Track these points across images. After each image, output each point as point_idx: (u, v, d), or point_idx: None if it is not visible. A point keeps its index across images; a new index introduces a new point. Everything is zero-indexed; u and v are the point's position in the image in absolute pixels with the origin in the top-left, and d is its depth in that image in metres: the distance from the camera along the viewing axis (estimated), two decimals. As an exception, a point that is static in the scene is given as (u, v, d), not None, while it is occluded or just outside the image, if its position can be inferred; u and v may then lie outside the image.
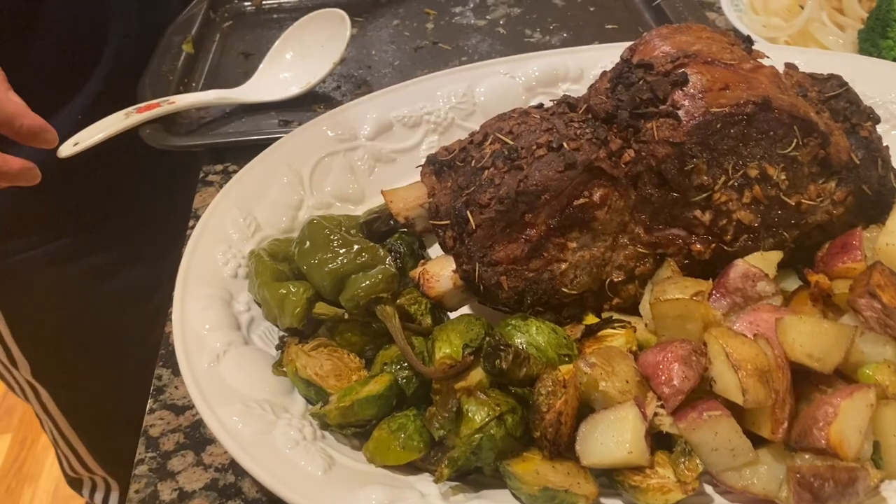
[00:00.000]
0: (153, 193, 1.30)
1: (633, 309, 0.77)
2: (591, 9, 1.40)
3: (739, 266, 0.73)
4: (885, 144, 0.77)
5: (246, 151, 1.06)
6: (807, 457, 0.60)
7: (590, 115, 0.76)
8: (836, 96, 0.76)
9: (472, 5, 1.45)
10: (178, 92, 1.23)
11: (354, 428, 0.67)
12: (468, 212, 0.72)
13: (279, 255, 0.80)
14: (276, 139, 0.98)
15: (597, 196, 0.71)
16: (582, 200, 0.71)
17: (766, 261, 0.74)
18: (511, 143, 0.73)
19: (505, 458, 0.63)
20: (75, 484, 1.48)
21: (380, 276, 0.71)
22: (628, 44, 1.23)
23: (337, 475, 0.63)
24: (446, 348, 0.68)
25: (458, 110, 1.08)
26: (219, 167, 1.13)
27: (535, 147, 0.71)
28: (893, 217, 0.73)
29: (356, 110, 1.04)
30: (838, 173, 0.74)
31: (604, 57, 1.13)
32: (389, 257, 0.72)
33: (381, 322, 0.72)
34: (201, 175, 1.12)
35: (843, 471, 0.57)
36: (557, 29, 1.34)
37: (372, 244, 0.74)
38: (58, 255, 1.20)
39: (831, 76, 0.79)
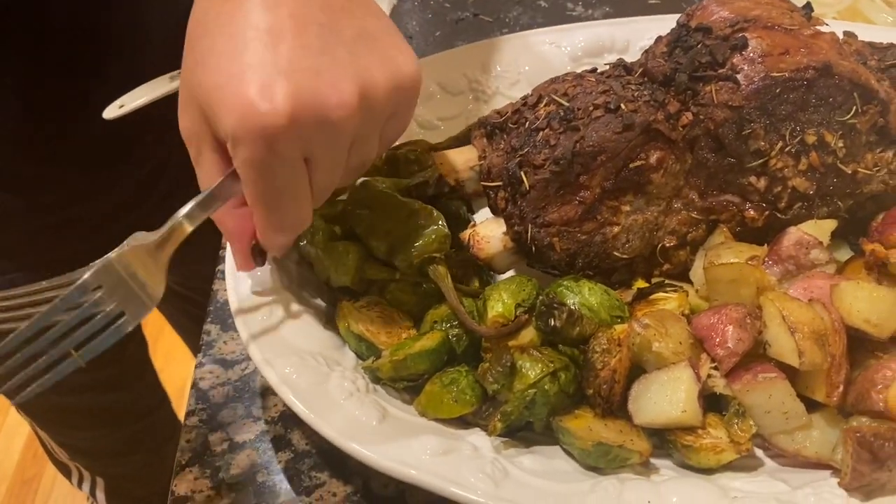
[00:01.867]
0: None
1: (682, 276, 0.77)
2: (632, -17, 1.39)
3: (793, 233, 0.72)
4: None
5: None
6: (863, 420, 0.59)
7: (646, 79, 0.75)
8: (897, 64, 0.75)
9: (515, -24, 1.45)
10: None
11: (406, 382, 0.68)
12: (522, 172, 0.72)
13: (330, 216, 0.80)
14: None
15: (653, 159, 0.71)
16: (638, 163, 0.70)
17: (819, 229, 0.73)
18: (567, 104, 0.73)
19: (557, 415, 0.64)
20: (63, 469, 1.44)
21: (433, 237, 0.71)
22: (675, 16, 1.23)
23: (391, 425, 0.64)
24: (499, 307, 0.69)
25: (503, 79, 1.07)
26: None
27: (591, 108, 0.71)
28: (952, 187, 0.72)
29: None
30: (895, 142, 0.74)
31: (651, 29, 1.11)
32: (442, 218, 0.73)
33: (433, 282, 0.73)
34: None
35: (903, 432, 0.56)
36: (599, 3, 1.33)
37: (424, 205, 0.74)
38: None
39: (891, 45, 0.78)
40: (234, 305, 0.72)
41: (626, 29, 1.11)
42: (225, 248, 0.80)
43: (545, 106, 0.75)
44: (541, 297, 0.67)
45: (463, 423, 0.67)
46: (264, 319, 0.72)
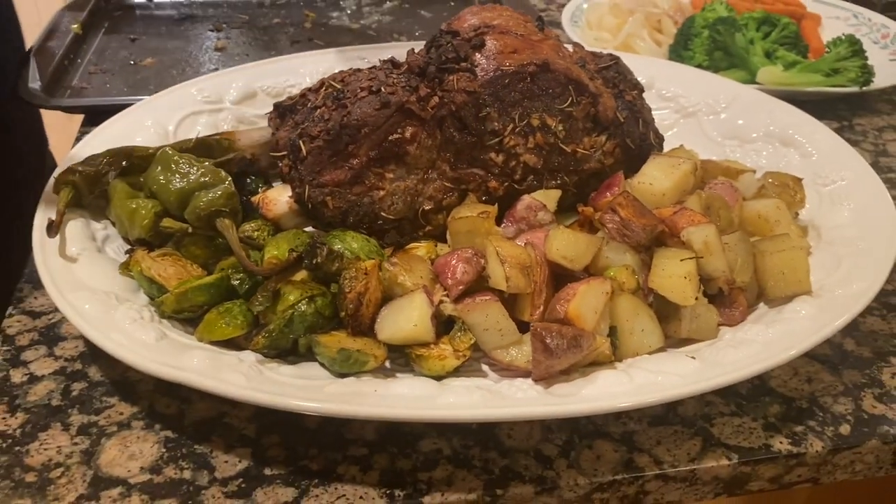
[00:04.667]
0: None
1: (442, 237, 0.92)
2: (453, 19, 1.58)
3: (525, 199, 0.88)
4: (647, 106, 0.96)
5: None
6: (542, 323, 0.75)
7: (407, 72, 0.91)
8: (608, 67, 0.94)
9: (348, 11, 1.61)
10: (60, 68, 1.32)
11: (188, 313, 0.79)
12: (301, 142, 0.85)
13: (133, 183, 0.91)
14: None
15: (408, 133, 0.86)
16: (396, 136, 0.85)
17: (546, 196, 0.90)
18: (339, 87, 0.87)
19: (314, 333, 0.76)
20: None
21: (220, 192, 0.83)
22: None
23: (168, 344, 0.74)
24: (274, 251, 0.81)
25: (318, 85, 1.22)
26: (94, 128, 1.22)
27: (358, 90, 0.86)
28: (647, 164, 0.90)
29: (224, 78, 1.17)
30: (607, 129, 0.92)
31: (451, 51, 1.30)
32: (230, 179, 0.85)
33: (221, 235, 0.84)
34: (77, 136, 1.21)
35: (569, 329, 0.72)
36: (422, 36, 1.52)
37: (213, 167, 0.86)
38: None
39: (609, 54, 0.97)
40: (38, 257, 0.81)
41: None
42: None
43: (325, 90, 0.89)
44: (310, 241, 0.80)
45: (236, 347, 0.78)
46: (65, 268, 0.81)
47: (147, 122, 1.06)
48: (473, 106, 0.87)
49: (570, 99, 0.89)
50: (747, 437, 0.77)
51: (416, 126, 0.86)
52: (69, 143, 1.21)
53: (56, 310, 0.88)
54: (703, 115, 1.18)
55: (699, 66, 1.35)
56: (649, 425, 0.77)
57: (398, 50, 1.28)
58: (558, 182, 0.92)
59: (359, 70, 0.93)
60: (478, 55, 0.88)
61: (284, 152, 0.88)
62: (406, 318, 0.76)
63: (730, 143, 1.14)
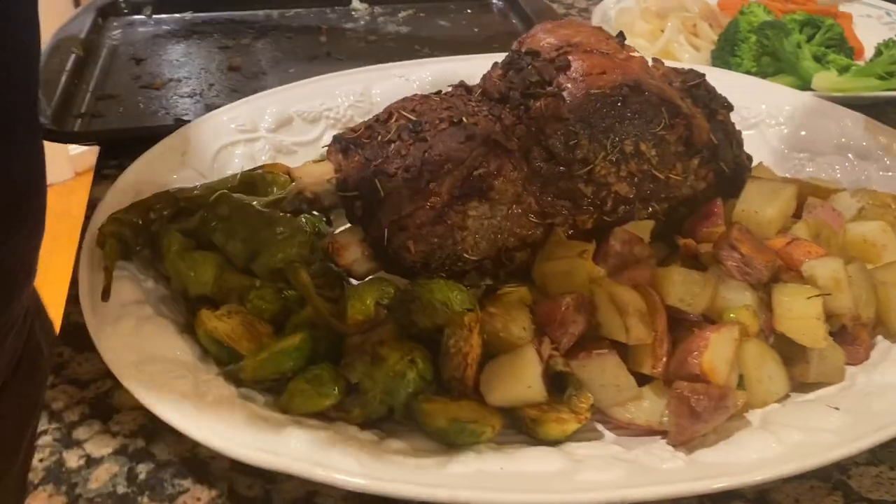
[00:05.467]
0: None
1: (525, 276, 0.84)
2: (475, 29, 1.50)
3: (618, 233, 0.81)
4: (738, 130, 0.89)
5: (139, 146, 1.07)
6: (683, 384, 0.67)
7: (484, 98, 0.83)
8: (696, 85, 0.87)
9: (362, 23, 1.52)
10: (66, 94, 1.22)
11: (270, 382, 0.70)
12: (377, 181, 0.77)
13: (186, 231, 0.82)
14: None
15: (494, 166, 0.78)
16: (481, 170, 0.77)
17: (640, 228, 0.83)
18: (415, 118, 0.79)
19: (416, 400, 0.68)
20: None
21: (294, 242, 0.75)
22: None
23: (259, 423, 0.65)
24: (358, 305, 0.72)
25: (357, 108, 1.13)
26: (113, 161, 1.12)
27: (437, 122, 0.78)
28: (746, 189, 0.84)
29: (256, 104, 1.08)
30: (700, 152, 0.85)
31: (490, 64, 1.22)
32: (303, 225, 0.76)
33: (294, 288, 0.75)
34: (95, 170, 1.11)
35: (715, 388, 0.65)
36: (444, 46, 1.43)
37: (284, 215, 0.77)
38: None
39: (690, 70, 0.90)
40: (91, 324, 0.72)
41: (467, 65, 1.20)
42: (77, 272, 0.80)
43: (395, 121, 0.81)
44: (400, 294, 0.72)
45: (326, 419, 0.70)
46: (122, 333, 0.72)
47: (181, 157, 0.97)
48: (563, 134, 0.79)
49: (664, 122, 0.82)
50: (888, 489, 0.71)
51: (502, 158, 0.78)
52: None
53: (106, 375, 0.79)
54: (766, 127, 1.12)
55: (748, 72, 1.29)
56: (784, 481, 0.70)
57: (438, 65, 1.20)
58: (649, 211, 0.85)
59: (426, 97, 0.85)
60: (563, 77, 0.80)
61: (356, 192, 0.80)
62: (517, 378, 0.68)
63: (799, 158, 1.08)
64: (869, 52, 1.39)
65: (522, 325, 0.72)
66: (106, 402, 0.77)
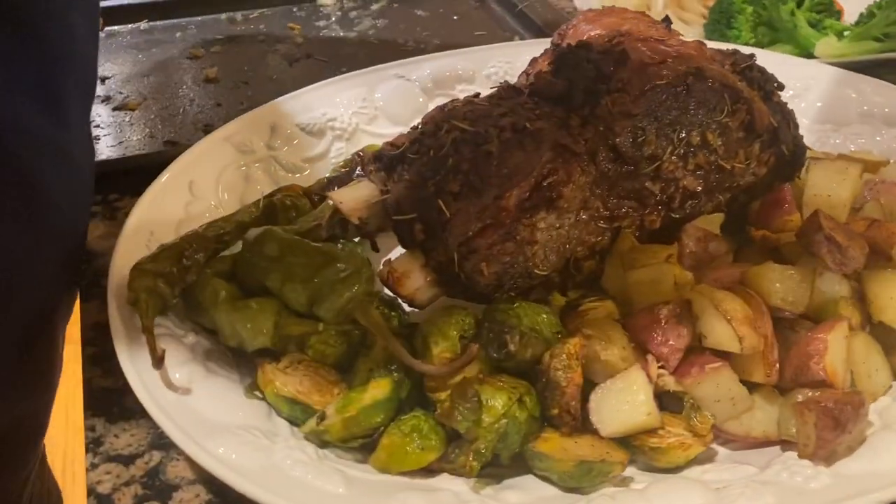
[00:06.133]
0: None
1: (592, 285, 0.78)
2: (455, 17, 1.43)
3: (691, 230, 0.76)
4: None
5: (125, 177, 0.97)
6: (807, 392, 0.63)
7: (537, 99, 0.76)
8: (749, 67, 0.82)
9: (334, 19, 1.43)
10: None
11: (361, 439, 0.63)
12: (440, 201, 0.70)
13: (224, 274, 0.73)
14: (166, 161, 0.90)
15: (563, 173, 0.72)
16: (550, 179, 0.71)
17: (711, 223, 0.78)
18: (471, 129, 0.72)
19: (528, 442, 0.61)
20: None
21: (361, 280, 0.67)
22: (512, 44, 1.28)
23: (360, 489, 0.58)
24: (443, 342, 0.66)
25: (361, 115, 1.05)
26: (97, 197, 1.01)
27: (498, 130, 0.71)
28: (812, 172, 0.80)
29: (254, 121, 0.98)
30: (760, 136, 0.80)
31: (491, 57, 1.15)
32: (366, 259, 0.68)
33: (360, 328, 0.68)
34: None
35: (852, 395, 0.61)
36: (428, 37, 1.36)
37: (343, 248, 0.70)
38: None
39: (735, 50, 0.86)
40: (141, 393, 0.63)
41: (467, 58, 1.14)
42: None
43: (446, 133, 0.73)
44: (486, 325, 0.65)
45: (427, 472, 0.63)
46: (182, 401, 0.63)
47: (189, 188, 0.87)
48: (631, 132, 0.73)
49: (726, 108, 0.77)
50: None
51: (571, 164, 0.72)
52: None
53: (152, 447, 0.70)
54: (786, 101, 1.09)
55: (746, 44, 1.26)
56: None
57: (437, 62, 1.13)
58: (713, 203, 0.80)
59: (470, 102, 0.77)
60: (622, 70, 0.74)
61: (412, 214, 0.72)
62: (632, 407, 0.63)
63: (823, 129, 1.05)
64: (849, 15, 1.38)
65: (622, 344, 0.66)
66: (160, 479, 0.68)
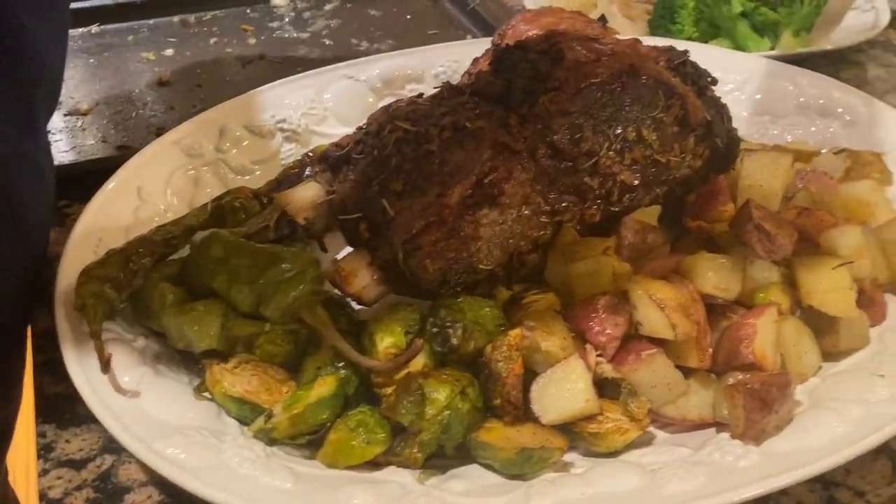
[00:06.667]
0: None
1: (536, 278, 0.80)
2: (408, 16, 1.44)
3: (629, 223, 0.79)
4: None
5: (78, 183, 0.97)
6: (738, 375, 0.66)
7: (478, 98, 0.78)
8: (683, 63, 0.85)
9: (287, 20, 1.43)
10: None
11: (308, 436, 0.64)
12: (383, 200, 0.71)
13: (172, 277, 0.74)
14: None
15: (504, 171, 0.73)
16: (491, 176, 0.73)
17: (648, 215, 0.80)
18: (413, 128, 0.73)
19: (472, 432, 0.63)
20: None
21: (307, 279, 0.68)
22: (460, 43, 1.29)
23: (307, 484, 0.59)
24: (389, 338, 0.67)
25: (310, 116, 1.06)
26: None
27: (439, 130, 0.73)
28: (746, 163, 0.83)
29: (203, 125, 0.99)
30: (695, 130, 0.83)
31: (440, 56, 1.17)
32: (312, 258, 0.70)
33: (308, 328, 0.69)
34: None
35: (779, 377, 0.64)
36: (382, 37, 1.37)
37: (287, 248, 0.71)
38: None
39: (671, 47, 0.88)
40: (90, 398, 0.64)
41: (417, 58, 1.15)
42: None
43: (389, 133, 0.75)
44: (430, 320, 0.67)
45: (374, 465, 0.64)
46: (131, 404, 0.64)
47: (137, 192, 0.88)
48: (569, 129, 0.76)
49: (661, 104, 0.79)
50: (930, 445, 0.72)
51: (511, 161, 0.74)
52: None
53: (104, 451, 0.70)
54: (724, 95, 1.12)
55: (689, 38, 1.29)
56: (832, 455, 0.71)
57: (386, 62, 1.14)
58: (650, 196, 0.83)
59: (414, 102, 0.79)
60: (559, 69, 0.77)
61: (358, 213, 0.74)
62: (572, 394, 0.65)
63: (762, 120, 1.08)
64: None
65: (562, 335, 0.68)
66: (112, 482, 0.69)
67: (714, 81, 0.87)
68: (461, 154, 0.72)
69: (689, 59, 0.86)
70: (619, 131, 0.78)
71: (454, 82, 0.82)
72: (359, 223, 0.74)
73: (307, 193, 0.78)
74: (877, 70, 1.34)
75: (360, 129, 0.80)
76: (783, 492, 0.67)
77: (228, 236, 0.71)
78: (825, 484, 0.68)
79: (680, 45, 1.17)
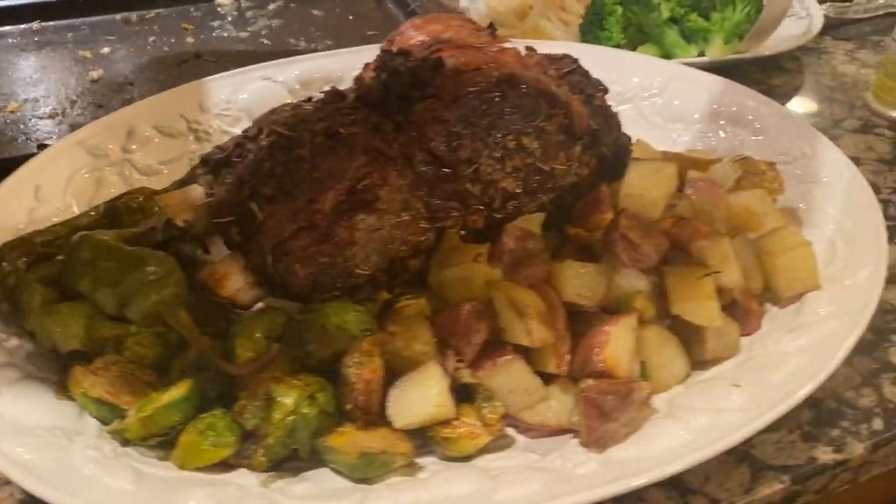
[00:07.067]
0: None
1: (420, 283, 0.81)
2: (350, 17, 1.45)
3: (510, 230, 0.79)
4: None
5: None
6: (590, 382, 0.67)
7: (360, 104, 0.79)
8: (571, 71, 0.86)
9: (230, 19, 1.44)
10: None
11: (159, 438, 0.65)
12: (253, 204, 0.72)
13: (47, 278, 0.74)
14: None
15: (378, 177, 0.74)
16: (365, 182, 0.74)
17: (531, 222, 0.81)
18: (287, 133, 0.74)
19: (321, 436, 0.64)
20: None
21: (167, 282, 0.69)
22: (379, 46, 1.29)
23: (149, 486, 0.60)
24: (247, 342, 0.68)
25: (224, 118, 1.07)
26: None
27: (312, 135, 0.73)
28: (629, 172, 0.84)
29: (111, 125, 0.99)
30: (581, 139, 0.84)
31: (361, 59, 1.16)
32: (174, 261, 0.70)
33: (174, 330, 0.70)
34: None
35: (620, 385, 0.64)
36: (321, 37, 1.37)
37: (152, 251, 0.71)
38: None
39: (564, 55, 0.89)
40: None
41: (338, 60, 1.16)
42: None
43: (266, 137, 0.76)
44: (291, 324, 0.68)
45: (227, 466, 0.65)
46: (-15, 405, 0.65)
47: (35, 192, 0.88)
48: (445, 136, 0.76)
49: (543, 113, 0.80)
50: (790, 453, 0.73)
51: (385, 167, 0.75)
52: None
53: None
54: (641, 101, 1.13)
55: (617, 45, 1.30)
56: (693, 461, 0.72)
57: (306, 63, 1.14)
58: (537, 203, 0.84)
59: (297, 106, 0.80)
60: (438, 77, 0.77)
61: (231, 217, 0.74)
62: (424, 399, 0.66)
63: (675, 127, 1.09)
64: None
65: (424, 340, 0.69)
66: (-25, 481, 0.69)
67: (604, 90, 0.88)
68: (333, 160, 0.73)
69: (580, 67, 0.87)
70: (498, 139, 0.79)
71: (334, 88, 0.82)
72: (231, 227, 0.74)
73: (188, 195, 0.79)
74: (808, 77, 1.35)
75: (244, 131, 0.81)
76: (640, 498, 0.68)
77: (98, 238, 0.72)
78: (682, 491, 0.69)
79: (605, 52, 1.20)
